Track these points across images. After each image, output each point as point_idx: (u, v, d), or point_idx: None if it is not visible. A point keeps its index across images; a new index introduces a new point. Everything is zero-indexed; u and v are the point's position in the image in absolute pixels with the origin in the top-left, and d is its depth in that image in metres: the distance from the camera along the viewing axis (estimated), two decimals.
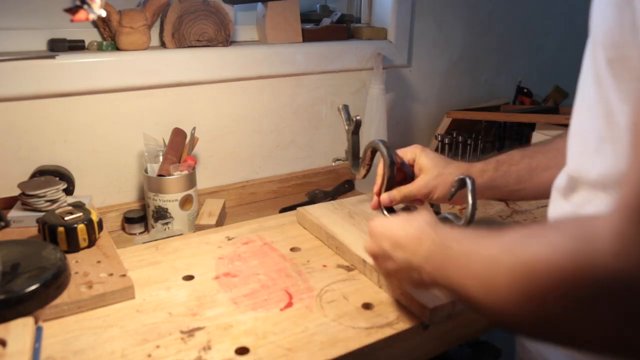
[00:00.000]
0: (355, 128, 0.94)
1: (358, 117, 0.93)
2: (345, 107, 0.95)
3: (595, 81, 0.50)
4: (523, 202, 1.04)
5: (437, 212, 0.91)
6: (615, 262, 0.34)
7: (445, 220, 0.80)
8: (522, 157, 0.80)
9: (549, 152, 0.77)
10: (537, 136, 1.29)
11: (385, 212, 0.87)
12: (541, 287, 0.38)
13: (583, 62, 0.53)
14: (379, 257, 0.67)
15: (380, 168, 0.87)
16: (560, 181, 0.59)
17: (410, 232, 0.60)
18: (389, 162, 0.83)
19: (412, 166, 0.86)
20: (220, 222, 1.05)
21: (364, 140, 1.26)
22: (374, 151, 0.90)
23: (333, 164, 1.00)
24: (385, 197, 0.84)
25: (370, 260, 0.77)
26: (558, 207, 0.59)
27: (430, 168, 0.83)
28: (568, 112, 0.72)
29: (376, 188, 0.87)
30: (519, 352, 0.67)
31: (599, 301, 0.35)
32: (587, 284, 0.35)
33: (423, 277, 0.58)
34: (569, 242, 0.38)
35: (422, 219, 0.61)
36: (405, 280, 0.64)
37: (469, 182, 0.75)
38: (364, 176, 0.94)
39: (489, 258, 0.46)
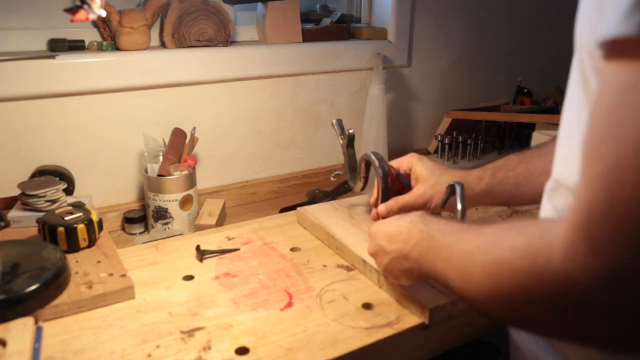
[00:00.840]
0: (349, 142, 0.93)
1: (351, 131, 0.92)
2: (339, 122, 0.95)
3: (582, 86, 0.49)
4: None
5: None
6: (564, 267, 0.38)
7: None
8: (519, 162, 0.79)
9: (545, 156, 0.76)
10: (537, 136, 1.29)
11: None
12: (507, 285, 0.44)
13: (571, 66, 0.53)
14: (378, 255, 0.71)
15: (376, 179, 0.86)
16: (548, 184, 0.59)
17: (401, 225, 0.65)
18: (381, 173, 0.83)
19: (408, 176, 0.86)
20: (220, 222, 1.05)
21: (365, 142, 1.26)
22: (367, 163, 0.90)
23: (332, 178, 0.99)
24: (382, 208, 0.83)
25: (370, 260, 0.77)
26: (546, 210, 0.59)
27: (427, 177, 0.82)
28: None
29: (372, 200, 0.86)
30: (513, 351, 0.67)
31: (553, 300, 0.40)
32: (544, 284, 0.40)
33: (411, 265, 0.63)
34: (531, 248, 0.42)
35: (413, 213, 0.66)
36: (398, 272, 0.67)
37: (457, 188, 0.74)
38: (362, 188, 0.94)
39: (466, 253, 0.50)
